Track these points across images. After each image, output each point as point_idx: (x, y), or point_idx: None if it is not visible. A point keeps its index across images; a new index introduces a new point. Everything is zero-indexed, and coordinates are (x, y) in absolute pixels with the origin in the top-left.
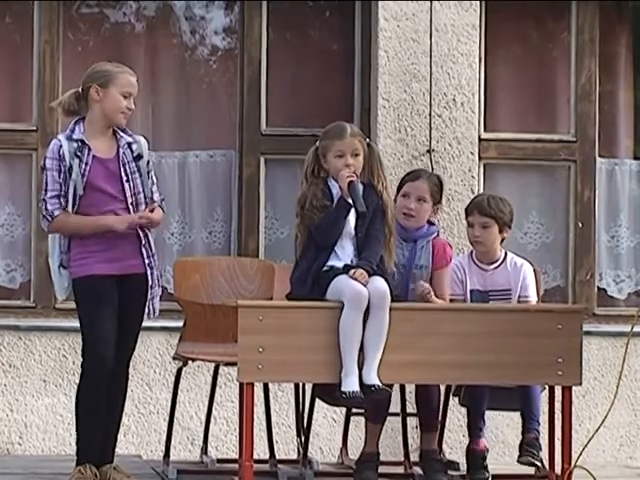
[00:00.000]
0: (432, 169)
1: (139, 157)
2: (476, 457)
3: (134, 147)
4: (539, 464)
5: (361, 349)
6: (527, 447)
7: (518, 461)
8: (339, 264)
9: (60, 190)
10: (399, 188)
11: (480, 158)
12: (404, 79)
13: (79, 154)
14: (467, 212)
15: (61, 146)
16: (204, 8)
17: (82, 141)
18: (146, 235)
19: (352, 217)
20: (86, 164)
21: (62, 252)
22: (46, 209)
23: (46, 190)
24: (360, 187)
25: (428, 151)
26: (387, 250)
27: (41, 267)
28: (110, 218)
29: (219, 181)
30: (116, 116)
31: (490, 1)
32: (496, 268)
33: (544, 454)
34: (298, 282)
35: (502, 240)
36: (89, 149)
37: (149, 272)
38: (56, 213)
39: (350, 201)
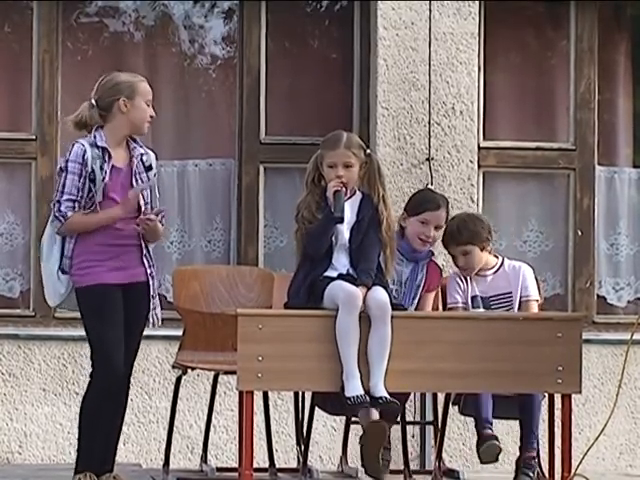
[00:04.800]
0: (431, 177)
1: (149, 168)
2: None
3: (145, 158)
4: None
5: (366, 360)
6: (524, 468)
7: None
8: (333, 274)
9: (77, 194)
10: (415, 212)
11: (479, 166)
12: (403, 87)
13: (106, 160)
14: (444, 245)
15: (85, 151)
16: (203, 17)
17: (105, 149)
18: (146, 245)
19: (346, 229)
20: (106, 172)
21: (65, 257)
22: (59, 210)
23: (62, 192)
24: (344, 196)
25: (427, 159)
26: (384, 260)
27: (40, 276)
28: (115, 208)
29: (218, 190)
30: (143, 125)
31: (489, 9)
32: (495, 273)
33: (544, 462)
34: (294, 293)
35: (490, 250)
36: (109, 157)
37: (151, 281)
38: (69, 214)
39: (336, 211)
